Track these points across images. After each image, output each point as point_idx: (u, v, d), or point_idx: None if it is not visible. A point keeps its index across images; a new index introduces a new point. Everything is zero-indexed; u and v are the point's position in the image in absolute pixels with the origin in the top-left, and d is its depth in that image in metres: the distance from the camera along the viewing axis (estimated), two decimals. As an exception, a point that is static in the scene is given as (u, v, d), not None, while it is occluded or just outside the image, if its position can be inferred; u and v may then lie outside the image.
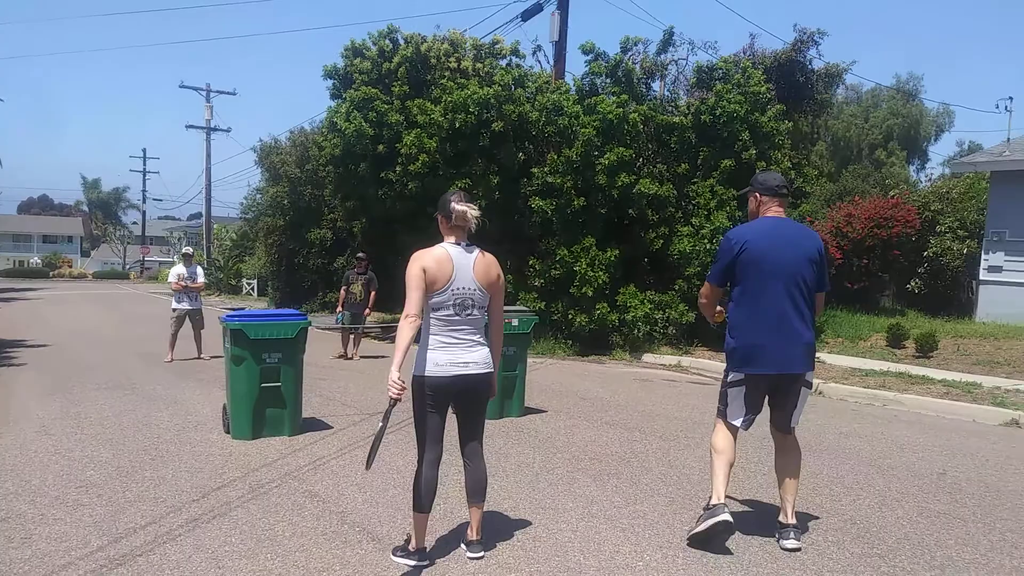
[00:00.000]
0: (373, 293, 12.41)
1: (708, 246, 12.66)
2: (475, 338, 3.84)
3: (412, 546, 3.87)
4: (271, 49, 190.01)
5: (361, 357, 12.37)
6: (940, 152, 57.98)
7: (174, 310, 11.98)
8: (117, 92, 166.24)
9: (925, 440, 7.05)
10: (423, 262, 3.71)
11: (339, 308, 12.51)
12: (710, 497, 4.17)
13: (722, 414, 4.34)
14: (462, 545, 4.06)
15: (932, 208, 17.98)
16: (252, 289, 34.00)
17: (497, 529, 4.39)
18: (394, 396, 3.64)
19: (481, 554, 3.96)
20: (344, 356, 12.27)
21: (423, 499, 3.84)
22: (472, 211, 3.78)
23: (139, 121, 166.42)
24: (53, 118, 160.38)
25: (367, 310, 12.48)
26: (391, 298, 22.85)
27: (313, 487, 5.18)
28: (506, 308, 8.39)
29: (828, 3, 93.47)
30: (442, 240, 3.86)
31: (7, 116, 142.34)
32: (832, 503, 5.04)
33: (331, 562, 3.90)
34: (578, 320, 12.85)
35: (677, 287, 13.22)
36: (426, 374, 3.77)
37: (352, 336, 12.49)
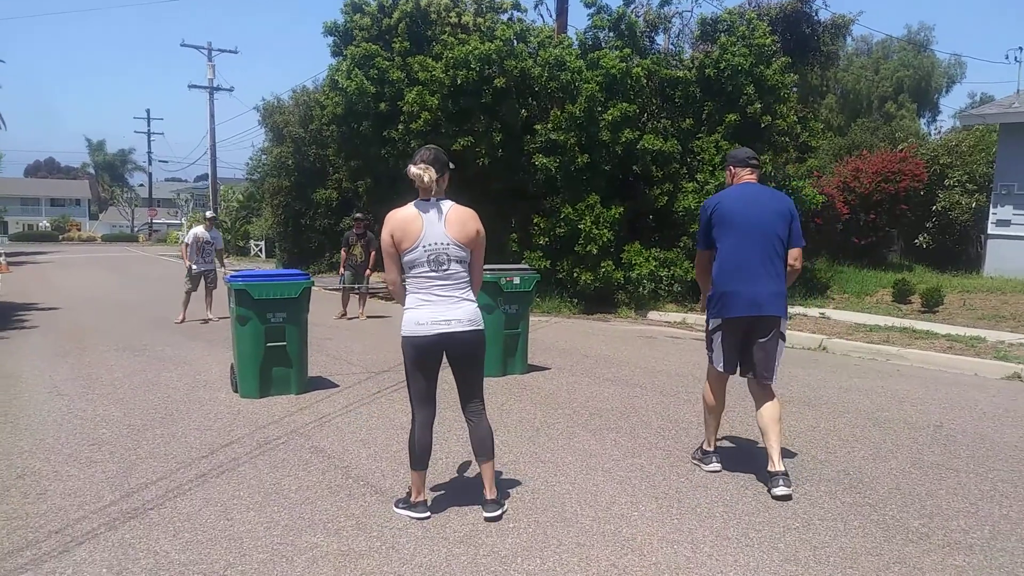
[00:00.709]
0: (373, 253, 12.45)
1: (713, 202, 12.61)
2: (457, 294, 3.78)
3: (412, 499, 3.95)
4: (272, 5, 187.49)
5: (368, 317, 12.47)
6: (952, 105, 57.05)
7: (190, 269, 11.90)
8: (119, 52, 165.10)
9: (925, 394, 7.12)
10: (390, 226, 3.74)
11: (341, 269, 12.63)
12: (702, 443, 4.76)
13: (709, 360, 4.68)
14: (481, 509, 3.96)
15: (941, 162, 17.82)
16: (260, 250, 34.12)
17: (497, 482, 4.49)
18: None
19: (497, 512, 3.90)
20: (344, 316, 12.35)
21: (417, 458, 3.90)
22: (424, 175, 3.73)
23: (142, 82, 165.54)
24: (56, 80, 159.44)
25: (368, 271, 12.54)
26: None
27: (319, 443, 5.30)
28: (508, 266, 8.46)
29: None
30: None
31: (9, 78, 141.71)
32: (827, 455, 5.12)
33: (336, 514, 4.01)
34: (583, 278, 12.90)
35: (682, 244, 13.22)
36: (408, 334, 3.76)
37: (357, 296, 12.59)
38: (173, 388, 7.06)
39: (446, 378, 4.11)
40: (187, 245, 12.04)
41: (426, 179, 3.73)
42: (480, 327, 3.86)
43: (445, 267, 3.73)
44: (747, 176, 4.70)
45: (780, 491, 4.21)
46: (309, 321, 7.04)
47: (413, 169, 3.75)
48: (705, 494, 4.33)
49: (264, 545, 3.63)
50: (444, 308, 3.74)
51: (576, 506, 4.13)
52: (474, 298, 3.87)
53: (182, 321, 11.68)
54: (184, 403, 6.48)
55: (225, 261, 12.54)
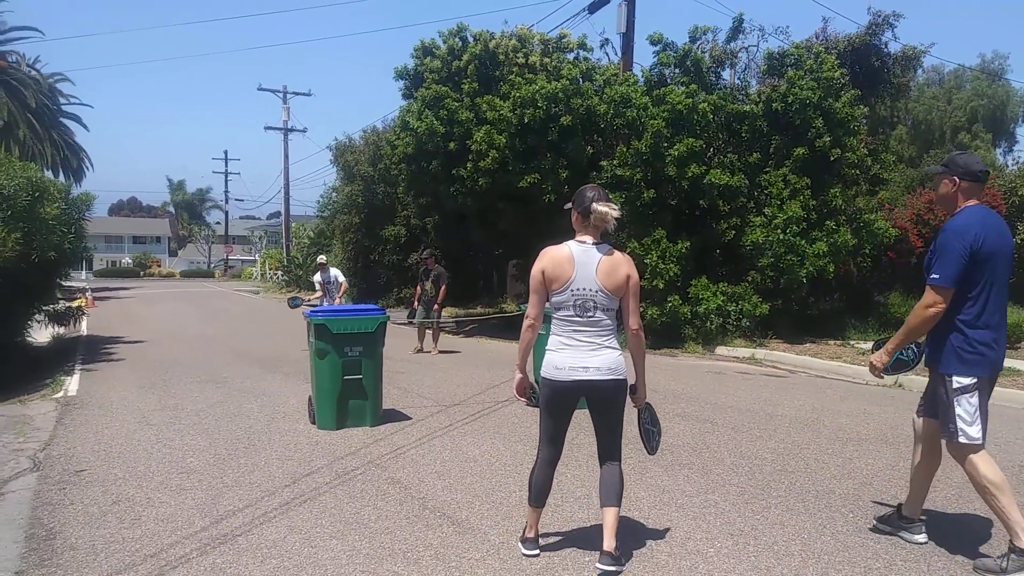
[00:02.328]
0: (443, 288, 12.68)
1: (781, 236, 12.50)
2: (599, 341, 3.67)
3: (524, 534, 3.97)
4: (344, 50, 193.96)
5: (440, 352, 12.61)
6: (1031, 133, 55.09)
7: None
8: (200, 97, 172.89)
9: (1008, 433, 6.88)
10: (543, 263, 3.68)
11: (415, 304, 12.94)
12: (1012, 539, 3.68)
13: (961, 433, 3.77)
14: (597, 559, 3.71)
15: (1019, 193, 17.24)
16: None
17: (570, 515, 4.55)
18: (519, 398, 3.95)
19: (611, 568, 3.59)
20: (420, 350, 12.58)
21: (534, 495, 3.87)
22: (613, 212, 3.62)
23: (221, 124, 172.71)
24: (140, 123, 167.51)
25: (436, 305, 12.73)
26: (465, 293, 23.30)
27: (395, 474, 5.44)
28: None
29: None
30: (574, 236, 3.76)
31: (97, 122, 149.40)
32: (907, 494, 5.00)
33: (415, 544, 4.12)
34: (649, 313, 12.87)
35: (750, 278, 13.10)
36: (546, 376, 3.71)
37: (429, 331, 12.81)
38: (254, 419, 7.33)
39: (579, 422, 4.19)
40: (320, 296, 12.59)
41: (611, 217, 3.63)
42: (621, 376, 3.70)
43: (590, 313, 3.65)
44: (975, 200, 3.87)
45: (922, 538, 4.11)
46: (383, 355, 7.24)
47: (600, 207, 3.61)
48: (782, 531, 4.30)
49: (347, 573, 3.76)
50: (584, 354, 3.65)
51: (651, 540, 4.16)
52: (617, 345, 3.74)
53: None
54: (265, 433, 6.72)
55: (341, 292, 12.94)
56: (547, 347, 3.73)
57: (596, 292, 3.62)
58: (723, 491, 5.06)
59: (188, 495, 5.02)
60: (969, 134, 35.51)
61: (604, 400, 3.74)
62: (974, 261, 3.66)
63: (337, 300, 12.67)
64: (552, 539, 4.15)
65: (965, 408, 3.73)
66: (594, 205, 3.63)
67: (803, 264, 12.56)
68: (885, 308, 14.63)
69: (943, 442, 3.93)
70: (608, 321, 3.70)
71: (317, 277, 12.87)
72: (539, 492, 3.85)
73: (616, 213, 3.63)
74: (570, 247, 3.69)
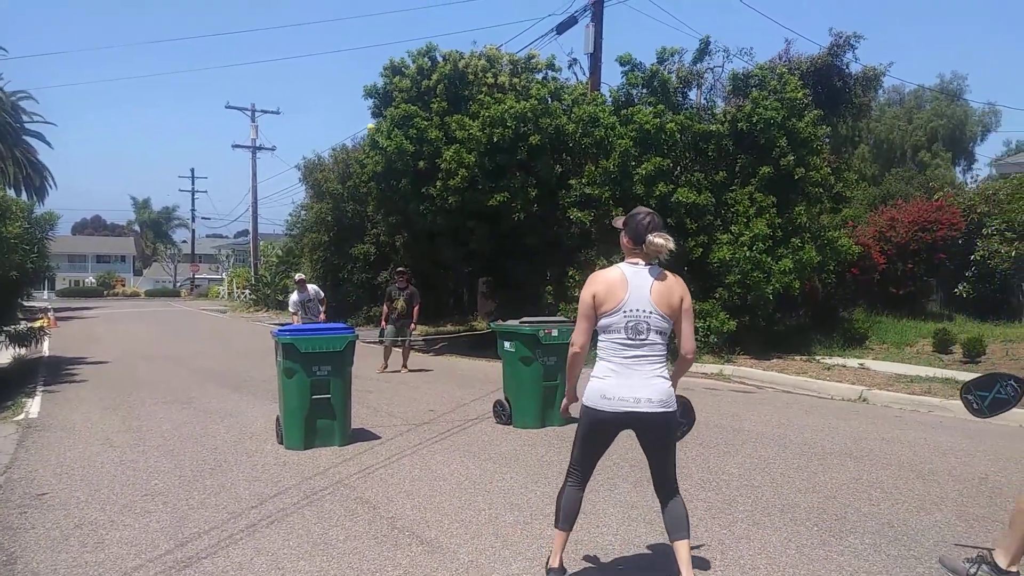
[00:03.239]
0: (417, 307, 12.62)
1: (748, 253, 12.68)
2: (651, 368, 3.47)
3: (549, 563, 3.74)
4: (313, 68, 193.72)
5: (409, 371, 12.53)
6: (987, 153, 56.79)
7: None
8: (167, 115, 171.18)
9: (969, 445, 7.03)
10: (594, 287, 3.51)
11: (383, 323, 12.75)
12: (997, 554, 3.67)
13: None
14: None
15: (978, 210, 17.66)
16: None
17: (540, 533, 4.56)
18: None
19: None
20: (385, 369, 12.44)
21: (562, 517, 3.67)
22: (669, 245, 3.48)
23: (188, 142, 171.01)
24: (105, 141, 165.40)
25: (412, 324, 12.66)
26: (435, 311, 23.26)
27: (364, 494, 5.41)
28: (546, 318, 8.60)
29: (865, 6, 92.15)
30: (623, 258, 3.61)
31: (61, 140, 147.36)
32: (871, 507, 5.10)
33: (383, 564, 4.10)
34: (618, 329, 12.93)
35: (718, 295, 13.25)
36: (591, 406, 3.50)
37: (401, 349, 12.75)
38: (221, 440, 7.24)
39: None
40: (295, 314, 12.43)
41: (666, 250, 3.49)
42: (671, 408, 3.50)
43: (644, 336, 3.46)
44: None
45: None
46: (352, 374, 7.21)
47: (657, 240, 3.46)
48: (748, 546, 4.35)
49: (315, 593, 3.73)
50: (635, 383, 3.44)
51: (621, 557, 4.18)
52: (668, 375, 3.54)
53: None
54: (232, 454, 6.64)
55: (323, 308, 12.88)
56: (593, 373, 3.54)
57: (651, 314, 3.46)
58: (690, 506, 5.06)
59: (153, 517, 4.94)
60: (929, 153, 36.42)
61: (655, 434, 3.54)
62: None
63: (322, 317, 12.56)
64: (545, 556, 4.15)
65: None
66: (649, 237, 3.48)
67: (769, 281, 12.75)
68: (850, 324, 14.88)
69: None
70: (661, 346, 3.51)
71: (295, 297, 12.49)
72: (569, 514, 3.66)
73: (672, 246, 3.49)
74: (622, 269, 3.55)
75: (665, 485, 3.64)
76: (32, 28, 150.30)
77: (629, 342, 3.45)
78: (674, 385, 3.57)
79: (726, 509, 5.03)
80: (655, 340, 3.48)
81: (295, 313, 12.47)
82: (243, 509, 5.08)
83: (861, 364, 11.91)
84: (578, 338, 3.57)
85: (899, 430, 7.73)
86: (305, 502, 5.22)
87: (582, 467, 3.67)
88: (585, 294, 3.54)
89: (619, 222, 3.68)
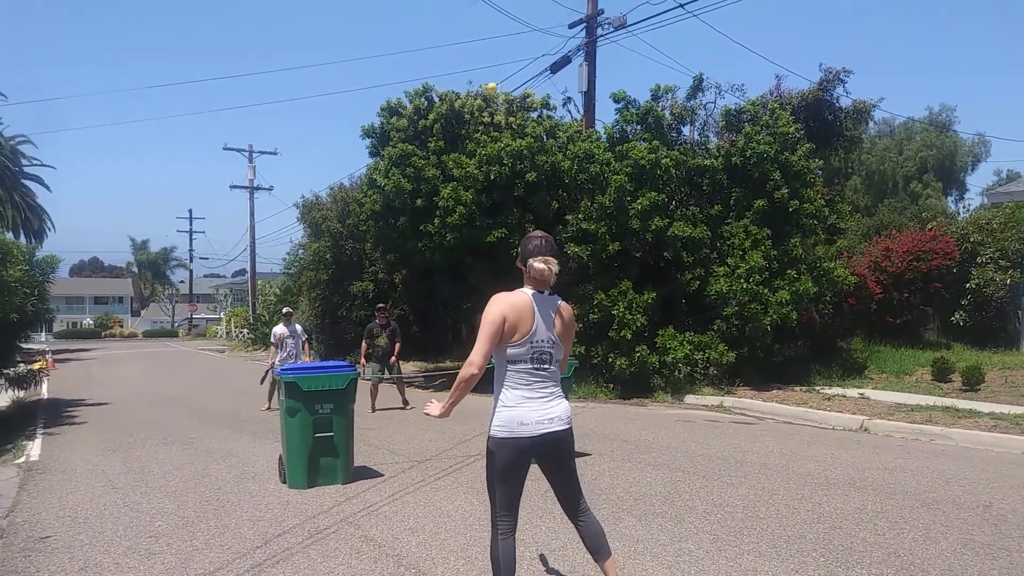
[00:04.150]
0: (397, 343, 12.55)
1: (744, 285, 12.77)
2: (554, 390, 3.56)
3: None
4: (311, 109, 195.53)
5: (410, 407, 12.39)
6: (979, 182, 57.28)
7: (272, 365, 12.16)
8: (165, 156, 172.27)
9: (972, 473, 7.04)
10: (504, 308, 3.44)
11: (362, 361, 12.44)
12: None
13: None
14: None
15: (972, 239, 17.84)
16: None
17: (547, 569, 4.56)
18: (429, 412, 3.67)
19: None
20: (375, 410, 11.99)
21: (505, 570, 3.50)
22: (553, 268, 3.52)
23: (186, 183, 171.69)
24: (103, 183, 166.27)
25: (393, 358, 12.54)
26: (433, 347, 23.26)
27: (368, 532, 5.40)
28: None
29: (853, 41, 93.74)
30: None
31: (59, 182, 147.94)
32: (876, 536, 5.10)
33: (390, 602, 4.09)
34: (618, 363, 12.98)
35: (716, 327, 13.30)
36: (508, 435, 3.45)
37: (396, 387, 12.71)
38: (223, 480, 7.23)
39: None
40: (274, 345, 12.54)
41: (554, 273, 3.53)
42: (572, 423, 3.63)
43: (547, 365, 3.52)
44: None
45: None
46: (353, 411, 7.22)
47: (538, 264, 3.49)
48: (754, 577, 4.35)
49: (323, 632, 3.72)
50: (545, 406, 3.49)
51: (626, 591, 4.18)
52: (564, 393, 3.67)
53: (268, 409, 12.08)
54: (235, 494, 6.63)
55: (307, 349, 12.93)
56: (503, 404, 3.48)
57: (553, 344, 3.52)
58: (696, 539, 5.11)
59: (157, 559, 4.93)
60: (920, 183, 36.77)
61: (564, 451, 3.59)
62: None
63: (306, 357, 12.57)
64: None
65: None
66: (531, 261, 3.52)
67: (767, 312, 12.82)
68: (848, 354, 14.92)
69: None
70: (556, 370, 3.60)
71: (278, 329, 12.55)
72: (509, 567, 3.50)
73: (555, 269, 3.52)
74: (529, 296, 3.52)
75: (575, 500, 3.68)
76: (31, 74, 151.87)
77: (534, 370, 3.49)
78: None
79: (732, 542, 5.03)
80: (553, 368, 3.56)
81: (274, 344, 12.52)
82: (248, 549, 5.07)
83: (861, 394, 11.93)
84: (478, 359, 3.40)
85: (902, 459, 7.73)
86: (310, 541, 5.21)
87: (510, 509, 3.55)
88: (494, 315, 3.42)
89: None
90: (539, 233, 3.66)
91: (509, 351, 3.46)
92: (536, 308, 3.49)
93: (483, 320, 3.44)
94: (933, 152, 37.94)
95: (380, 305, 13.38)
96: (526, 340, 3.45)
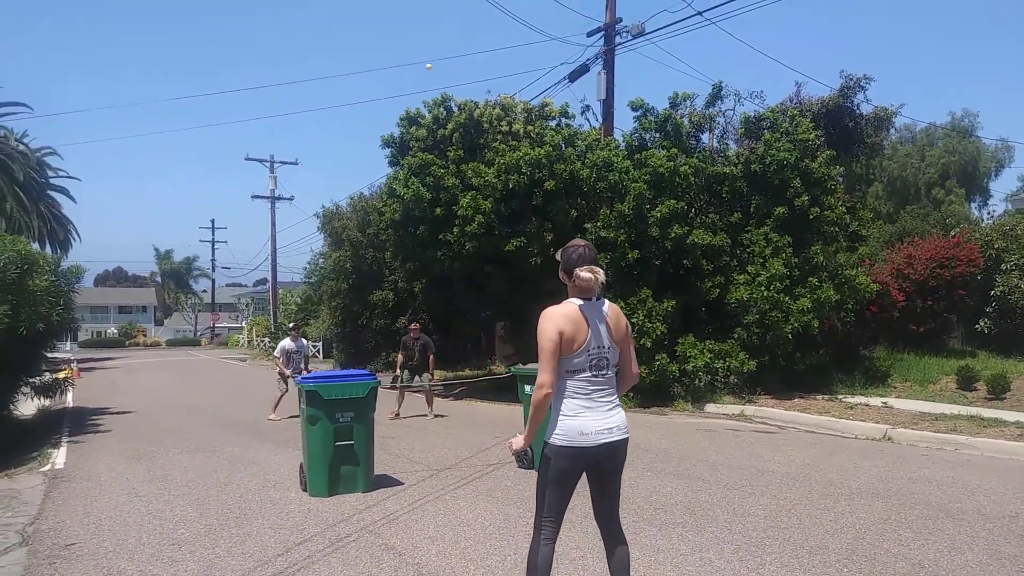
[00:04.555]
0: (431, 356, 12.88)
1: (765, 293, 12.69)
2: (613, 399, 3.54)
3: None
4: (331, 119, 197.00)
5: (436, 416, 12.55)
6: (1002, 188, 56.57)
7: (283, 375, 12.96)
8: (187, 167, 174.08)
9: (998, 483, 6.94)
10: (558, 324, 3.42)
11: (398, 371, 13.03)
12: None
13: None
14: None
15: (996, 246, 17.64)
16: (317, 351, 34.83)
17: (567, 577, 4.55)
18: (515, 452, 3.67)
19: None
20: (397, 416, 12.39)
21: None
22: (599, 277, 3.47)
23: (208, 194, 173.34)
24: (126, 194, 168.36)
25: (430, 374, 12.87)
26: (453, 355, 23.29)
27: (389, 540, 5.42)
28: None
29: (874, 47, 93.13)
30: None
31: (84, 194, 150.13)
32: (900, 547, 5.05)
33: (411, 610, 4.10)
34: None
35: (736, 335, 13.23)
36: (568, 444, 3.44)
37: (424, 396, 12.89)
38: (245, 488, 7.28)
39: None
40: (277, 358, 13.19)
41: (600, 282, 3.47)
42: (629, 433, 3.59)
43: (605, 371, 3.51)
44: None
45: None
46: (374, 420, 7.26)
47: (585, 274, 3.45)
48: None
49: (344, 640, 3.74)
50: (605, 416, 3.48)
51: (647, 601, 4.16)
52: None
53: (276, 419, 12.25)
54: (256, 502, 6.68)
55: (306, 365, 13.47)
56: (563, 414, 3.47)
57: (608, 348, 3.50)
58: (718, 549, 5.07)
59: (180, 567, 4.98)
60: (943, 189, 36.39)
61: (619, 461, 3.58)
62: None
63: (306, 372, 12.88)
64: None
65: None
66: (577, 271, 3.49)
67: (788, 320, 12.73)
68: (871, 362, 14.78)
69: None
70: (614, 377, 3.59)
71: (286, 344, 13.22)
72: (546, 571, 3.54)
73: (601, 278, 3.47)
74: (577, 306, 3.49)
75: (611, 514, 3.66)
76: (56, 85, 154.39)
77: (593, 378, 3.48)
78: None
79: (754, 552, 4.99)
80: (611, 373, 3.55)
81: (279, 358, 13.14)
82: (269, 557, 5.10)
83: (884, 402, 11.80)
84: (547, 378, 3.40)
85: (926, 469, 7.64)
86: (331, 549, 5.23)
87: (556, 516, 3.53)
88: (550, 332, 3.41)
89: (558, 255, 3.64)
90: (580, 242, 3.63)
91: (568, 362, 3.45)
92: (587, 316, 3.47)
93: (540, 339, 3.42)
94: (956, 158, 37.55)
95: (413, 324, 13.66)
96: (583, 349, 3.44)
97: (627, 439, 3.56)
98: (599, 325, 3.49)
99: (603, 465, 3.54)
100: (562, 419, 3.47)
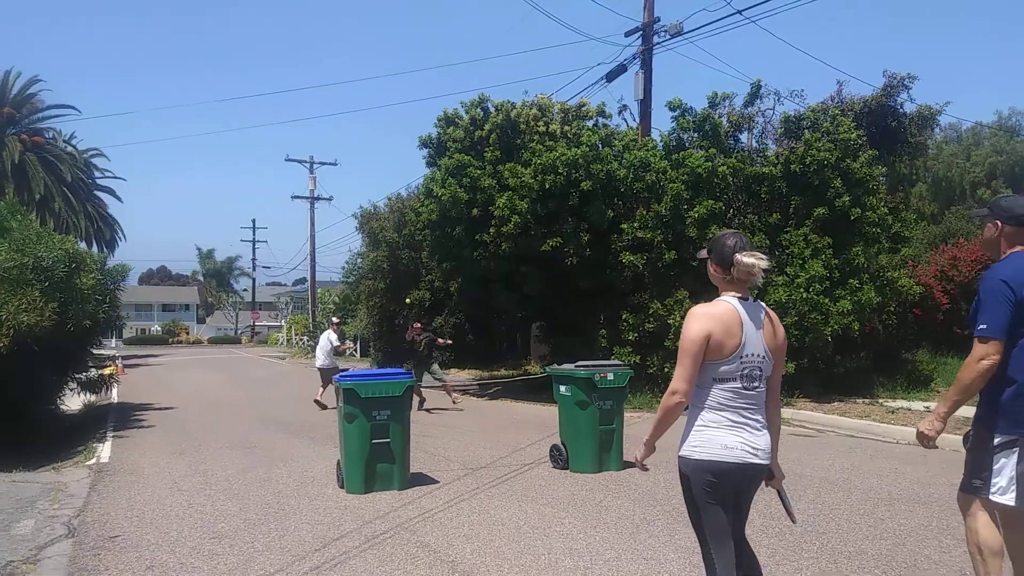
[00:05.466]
0: (439, 340, 14.33)
1: (804, 295, 12.51)
2: (761, 418, 3.11)
3: None
4: (369, 120, 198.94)
5: (457, 408, 13.30)
6: (1054, 187, 55.06)
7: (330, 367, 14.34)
8: (229, 168, 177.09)
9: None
10: (708, 325, 3.02)
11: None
12: None
13: (978, 490, 3.53)
14: None
15: (1045, 246, 17.17)
16: (355, 350, 35.18)
17: (600, 578, 4.55)
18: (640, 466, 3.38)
19: None
20: (419, 406, 13.06)
21: None
22: (762, 263, 3.03)
23: (249, 194, 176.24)
24: (171, 194, 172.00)
25: (437, 348, 14.16)
26: (488, 355, 23.36)
27: (424, 538, 5.47)
28: (601, 362, 8.61)
29: (918, 45, 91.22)
30: (716, 290, 3.18)
31: (130, 194, 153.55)
32: (941, 554, 4.96)
33: (445, 607, 4.14)
34: (673, 373, 12.83)
35: (774, 337, 13.06)
36: (710, 458, 3.02)
37: (444, 389, 13.84)
38: (283, 484, 7.40)
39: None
40: (334, 346, 14.80)
41: (759, 270, 3.04)
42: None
43: (757, 384, 3.08)
44: (1021, 245, 3.54)
45: None
46: (410, 418, 7.32)
47: (747, 259, 3.03)
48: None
49: (379, 635, 3.78)
50: (751, 434, 3.06)
51: (681, 603, 4.14)
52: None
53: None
54: (294, 498, 6.78)
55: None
56: (703, 424, 3.07)
57: (763, 358, 3.07)
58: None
59: (220, 560, 5.07)
60: (989, 190, 35.48)
61: (755, 486, 3.23)
62: (1019, 308, 3.36)
63: None
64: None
65: (1003, 465, 3.45)
66: (737, 256, 3.05)
67: (827, 322, 12.54)
68: (913, 365, 14.50)
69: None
70: (765, 393, 3.14)
71: (333, 336, 14.94)
72: None
73: (764, 265, 3.04)
74: (734, 306, 3.07)
75: (739, 531, 3.27)
76: (106, 88, 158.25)
77: (743, 391, 3.04)
78: (774, 436, 3.22)
79: (791, 556, 4.94)
80: (762, 388, 3.10)
81: (334, 345, 14.67)
82: (306, 552, 5.18)
83: (927, 407, 11.56)
84: (682, 385, 3.03)
85: (969, 475, 7.47)
86: (367, 545, 5.30)
87: (720, 535, 3.08)
88: (695, 332, 3.02)
89: (703, 253, 3.28)
90: (731, 231, 3.25)
91: (714, 369, 3.04)
92: (743, 318, 3.05)
93: (683, 339, 3.06)
94: (1003, 158, 36.62)
95: (417, 323, 14.97)
96: (735, 356, 3.02)
97: (767, 465, 3.14)
98: (757, 330, 3.07)
99: (741, 488, 3.16)
100: (700, 430, 3.08)
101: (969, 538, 3.57)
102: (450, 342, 15.04)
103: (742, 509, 3.23)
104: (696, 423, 3.09)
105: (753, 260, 3.01)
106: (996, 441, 3.45)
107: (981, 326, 3.42)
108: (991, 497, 3.42)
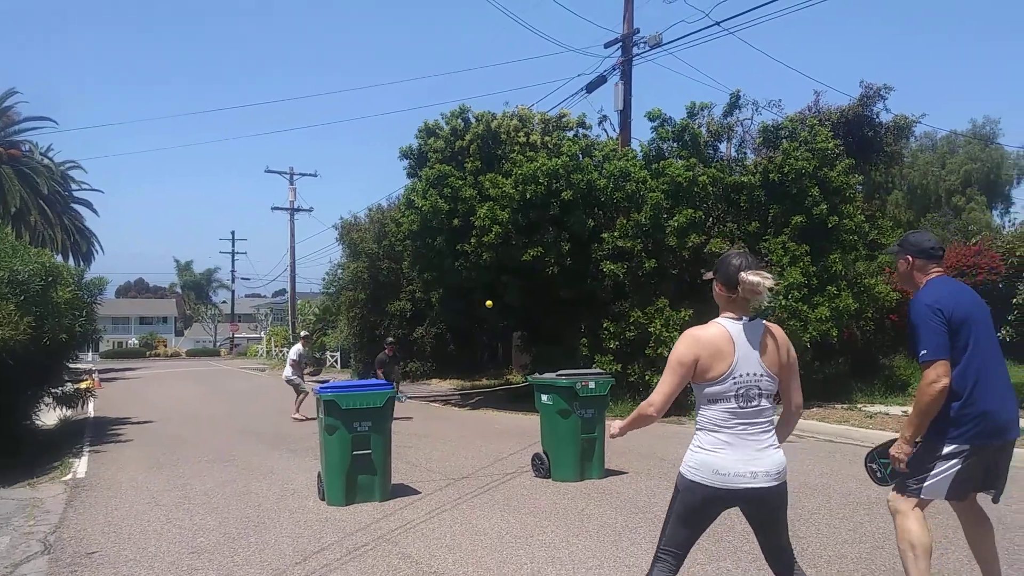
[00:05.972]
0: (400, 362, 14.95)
1: (783, 302, 12.62)
2: (764, 438, 3.07)
3: None
4: (350, 131, 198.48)
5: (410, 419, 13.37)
6: (1026, 195, 55.88)
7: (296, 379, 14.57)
8: (208, 179, 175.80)
9: (1018, 493, 6.82)
10: (696, 347, 3.06)
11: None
12: None
13: (913, 492, 3.72)
14: None
15: (1018, 253, 17.41)
16: (335, 361, 34.99)
17: (583, 586, 4.54)
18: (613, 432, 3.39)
19: None
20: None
21: None
22: (767, 282, 3.03)
23: (228, 205, 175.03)
24: (148, 206, 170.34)
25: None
26: (470, 365, 23.33)
27: (406, 549, 5.44)
28: (582, 371, 8.63)
29: (894, 55, 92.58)
30: (715, 308, 3.22)
31: (107, 206, 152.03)
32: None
33: (427, 618, 4.12)
34: (655, 381, 12.84)
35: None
36: (701, 482, 3.06)
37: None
38: (263, 497, 7.33)
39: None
40: (295, 361, 14.80)
41: (764, 288, 3.03)
42: (786, 479, 3.11)
43: (755, 403, 3.06)
44: (937, 271, 3.86)
45: None
46: (391, 430, 7.29)
47: (752, 277, 3.03)
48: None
49: (361, 648, 3.76)
50: (750, 455, 3.03)
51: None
52: (779, 443, 3.16)
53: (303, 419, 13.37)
54: (275, 511, 6.72)
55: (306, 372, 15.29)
56: (699, 446, 3.11)
57: (761, 376, 3.07)
58: (735, 558, 5.05)
59: (200, 575, 5.02)
60: (964, 197, 36.06)
61: (771, 510, 3.15)
62: (951, 329, 3.60)
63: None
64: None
65: (943, 469, 3.65)
66: (742, 275, 3.05)
67: (806, 329, 12.65)
68: (891, 371, 14.64)
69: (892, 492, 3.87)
70: (771, 409, 3.13)
71: (300, 349, 15.24)
72: None
73: (770, 283, 3.04)
74: (726, 327, 3.10)
75: (782, 558, 3.23)
76: (80, 99, 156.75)
77: (739, 410, 3.05)
78: (782, 441, 3.22)
79: (771, 561, 4.96)
80: (765, 405, 3.09)
81: (295, 361, 14.73)
82: (287, 566, 5.14)
83: (904, 412, 11.68)
84: (659, 399, 3.10)
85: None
86: (348, 558, 5.26)
87: (680, 549, 3.17)
88: (683, 354, 3.07)
89: (709, 274, 3.31)
90: (735, 251, 3.29)
91: (707, 389, 3.08)
92: (735, 339, 3.07)
93: (670, 357, 3.12)
94: (977, 165, 37.22)
95: (390, 340, 15.40)
96: (726, 376, 3.04)
97: (781, 485, 3.09)
98: (753, 349, 3.07)
99: (753, 513, 3.17)
100: (696, 452, 3.11)
101: (902, 536, 3.73)
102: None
103: (765, 528, 3.21)
104: (693, 445, 3.15)
105: (758, 279, 3.03)
106: (946, 450, 3.63)
107: (922, 351, 3.62)
108: (923, 496, 3.70)
